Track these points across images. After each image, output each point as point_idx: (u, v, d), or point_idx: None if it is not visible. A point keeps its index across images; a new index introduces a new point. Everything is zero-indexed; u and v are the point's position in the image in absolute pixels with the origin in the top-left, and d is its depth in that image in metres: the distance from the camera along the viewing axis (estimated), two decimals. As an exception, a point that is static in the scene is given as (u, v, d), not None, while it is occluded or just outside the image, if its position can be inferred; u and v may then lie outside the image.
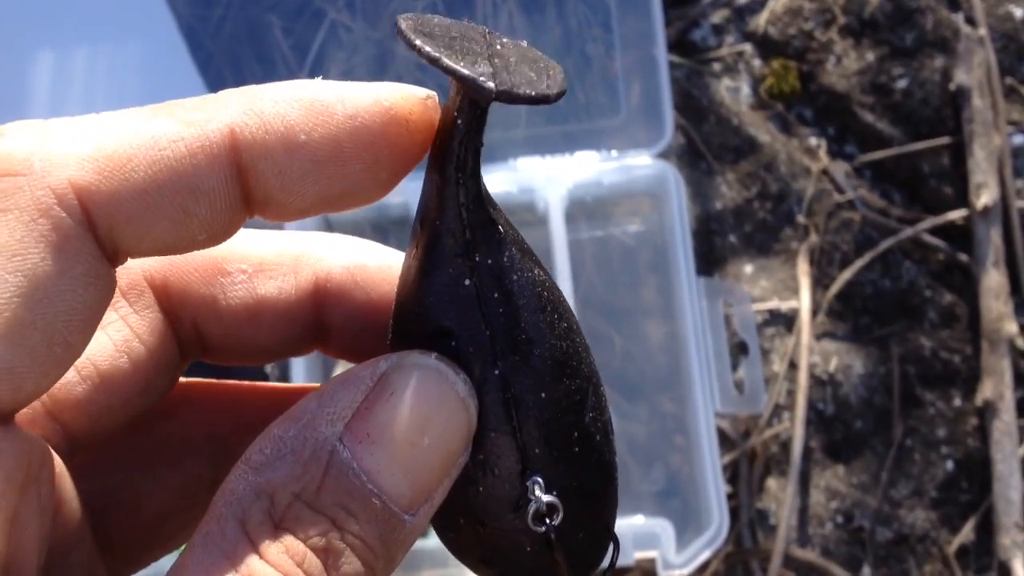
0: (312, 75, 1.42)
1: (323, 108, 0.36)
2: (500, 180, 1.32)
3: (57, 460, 0.37)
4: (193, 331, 0.43)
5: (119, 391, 0.40)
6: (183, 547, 0.36)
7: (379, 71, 1.44)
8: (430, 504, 0.37)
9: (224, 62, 1.44)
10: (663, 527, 1.22)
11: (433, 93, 0.39)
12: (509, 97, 0.35)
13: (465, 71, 0.35)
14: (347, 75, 1.41)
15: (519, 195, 1.34)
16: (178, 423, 0.44)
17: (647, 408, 1.39)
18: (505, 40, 0.39)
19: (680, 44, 1.66)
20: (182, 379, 0.46)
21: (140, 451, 0.43)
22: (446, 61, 0.35)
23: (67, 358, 0.34)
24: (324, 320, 0.44)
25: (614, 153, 1.36)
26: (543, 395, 0.39)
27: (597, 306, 1.40)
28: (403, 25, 0.36)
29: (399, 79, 1.48)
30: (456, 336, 0.38)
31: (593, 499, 0.41)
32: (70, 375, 0.38)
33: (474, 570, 0.42)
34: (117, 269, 0.36)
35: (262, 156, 0.35)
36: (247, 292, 0.43)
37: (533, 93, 0.36)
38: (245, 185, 0.36)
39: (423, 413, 0.36)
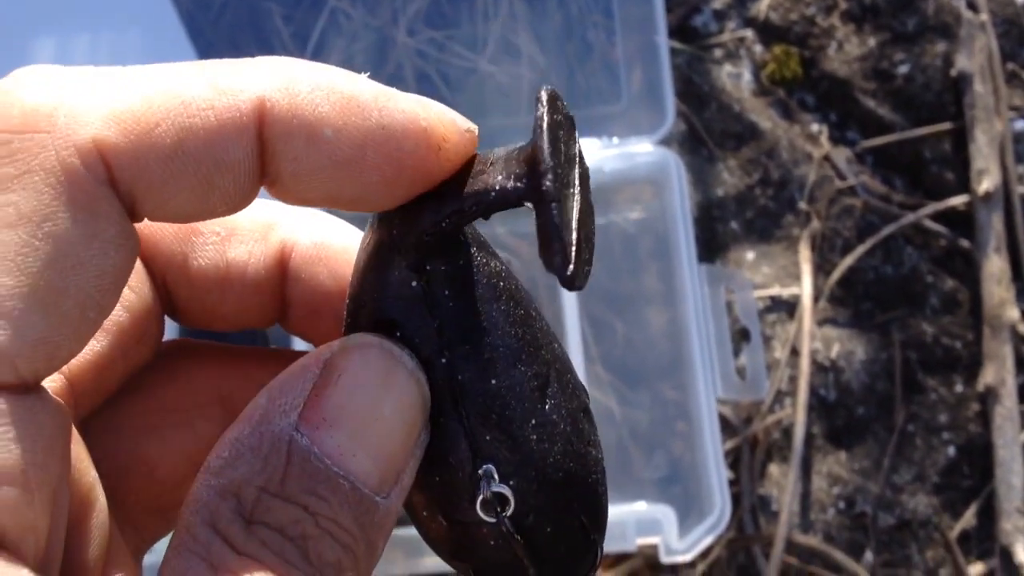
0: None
1: (358, 109, 0.35)
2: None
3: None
4: (163, 288, 0.42)
5: (118, 341, 0.40)
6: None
7: (379, 59, 1.43)
8: (400, 486, 0.36)
9: (224, 50, 1.44)
10: (665, 513, 1.23)
11: (474, 127, 0.37)
12: (565, 279, 0.34)
13: (566, 237, 0.34)
14: (347, 63, 1.41)
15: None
16: (185, 385, 0.43)
17: (649, 395, 1.39)
18: (579, 174, 0.38)
19: (681, 30, 1.65)
20: (188, 340, 0.46)
21: (149, 415, 0.43)
22: (557, 216, 0.34)
23: (98, 321, 0.33)
24: (288, 293, 0.43)
25: (615, 140, 1.36)
26: (493, 382, 0.38)
27: (599, 293, 1.40)
28: (546, 121, 0.35)
29: (399, 67, 1.48)
30: (401, 327, 0.37)
31: (560, 491, 0.40)
32: None
33: (448, 564, 0.42)
34: None
35: (282, 138, 0.34)
36: (217, 255, 0.42)
37: (572, 276, 0.35)
38: (262, 159, 0.35)
39: (374, 389, 0.36)
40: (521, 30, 1.44)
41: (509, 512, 0.38)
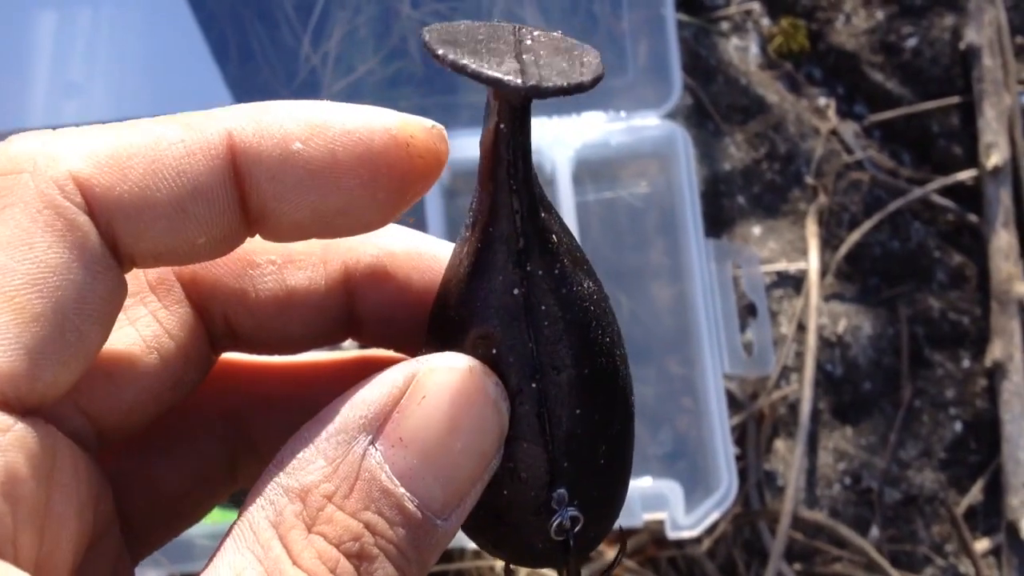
0: (316, 35, 1.42)
1: (321, 121, 0.36)
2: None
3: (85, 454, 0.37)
4: (224, 324, 0.43)
5: (149, 387, 0.40)
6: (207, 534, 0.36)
7: (382, 31, 1.42)
8: (462, 508, 0.37)
9: (226, 21, 1.43)
10: (672, 489, 1.22)
11: (440, 125, 0.39)
12: (539, 92, 0.34)
13: (491, 73, 0.34)
14: (350, 35, 1.40)
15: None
16: (192, 404, 0.43)
17: (655, 370, 1.39)
18: (536, 33, 0.37)
19: (688, 3, 1.64)
20: None
21: (157, 434, 0.43)
22: (472, 67, 0.34)
23: (82, 349, 0.34)
24: (356, 308, 0.43)
25: (622, 113, 1.35)
26: (578, 411, 0.38)
27: (604, 268, 1.39)
28: (427, 37, 0.36)
29: (403, 40, 1.47)
30: (498, 344, 0.38)
31: (611, 504, 0.42)
32: (98, 371, 0.38)
33: (483, 549, 0.42)
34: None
35: (257, 160, 0.35)
36: (277, 283, 0.42)
37: (565, 83, 0.35)
38: (242, 191, 0.36)
39: (456, 417, 0.36)
40: (527, 2, 1.43)
41: (577, 530, 0.40)
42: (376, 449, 0.35)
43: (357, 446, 0.35)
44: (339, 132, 0.36)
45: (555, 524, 0.39)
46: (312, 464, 0.34)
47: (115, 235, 0.34)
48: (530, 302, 0.37)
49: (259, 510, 0.34)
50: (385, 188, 0.37)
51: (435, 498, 0.35)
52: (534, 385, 0.38)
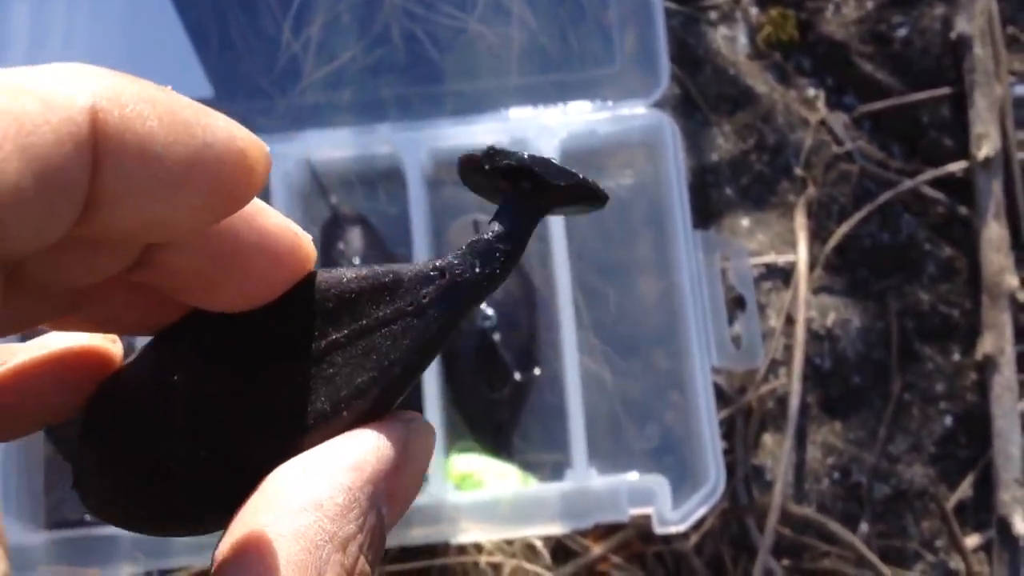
0: (297, 21, 1.40)
1: (185, 125, 0.31)
2: (492, 130, 1.29)
3: None
4: None
5: None
6: None
7: (366, 18, 1.40)
8: None
9: (206, 7, 1.41)
10: (659, 483, 1.21)
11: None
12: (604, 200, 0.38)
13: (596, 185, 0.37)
14: (333, 23, 1.38)
15: (511, 146, 1.31)
16: None
17: (642, 364, 1.38)
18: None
19: (676, -9, 1.62)
20: None
21: None
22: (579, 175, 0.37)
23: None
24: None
25: (609, 103, 1.33)
26: None
27: (591, 261, 1.38)
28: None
29: (386, 28, 1.45)
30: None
31: None
32: None
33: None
34: None
35: (115, 154, 0.30)
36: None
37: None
38: (93, 178, 0.30)
39: (422, 472, 0.39)
40: (512, -10, 1.41)
41: None
42: (384, 503, 0.36)
43: (377, 501, 0.36)
44: (199, 145, 0.31)
45: None
46: (351, 514, 0.35)
47: None
48: None
49: (307, 554, 0.34)
50: (220, 208, 0.33)
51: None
52: None
